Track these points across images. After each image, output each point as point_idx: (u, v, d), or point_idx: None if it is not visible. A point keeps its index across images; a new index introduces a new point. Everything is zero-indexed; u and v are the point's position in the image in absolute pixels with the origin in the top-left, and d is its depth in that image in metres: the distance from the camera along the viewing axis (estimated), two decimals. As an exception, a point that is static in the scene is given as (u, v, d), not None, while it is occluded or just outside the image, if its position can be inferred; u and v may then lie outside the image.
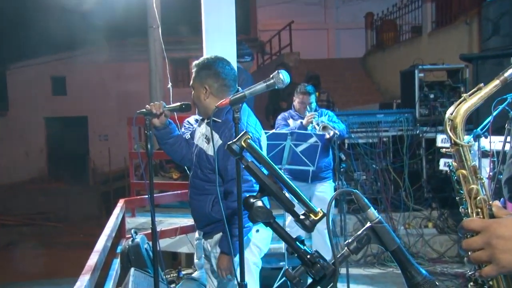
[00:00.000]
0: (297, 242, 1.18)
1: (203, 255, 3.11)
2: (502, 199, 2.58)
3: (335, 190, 5.01)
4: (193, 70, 2.87)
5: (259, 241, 2.86)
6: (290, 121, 5.08)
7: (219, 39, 5.45)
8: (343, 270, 4.82)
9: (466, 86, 6.45)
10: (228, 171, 2.67)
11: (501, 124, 4.05)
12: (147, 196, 6.15)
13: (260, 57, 18.27)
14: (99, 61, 18.74)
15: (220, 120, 2.75)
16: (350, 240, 1.20)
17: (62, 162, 19.40)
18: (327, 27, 19.81)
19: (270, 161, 1.17)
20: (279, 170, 1.18)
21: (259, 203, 1.16)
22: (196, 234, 5.04)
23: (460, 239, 1.12)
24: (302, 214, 1.20)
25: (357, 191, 1.22)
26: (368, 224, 1.21)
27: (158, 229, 5.46)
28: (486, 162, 4.20)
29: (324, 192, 4.91)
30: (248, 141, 1.14)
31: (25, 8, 17.65)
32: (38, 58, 18.89)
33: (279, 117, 5.19)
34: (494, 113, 3.69)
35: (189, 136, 3.09)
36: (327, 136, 4.74)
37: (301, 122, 4.89)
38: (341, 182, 4.98)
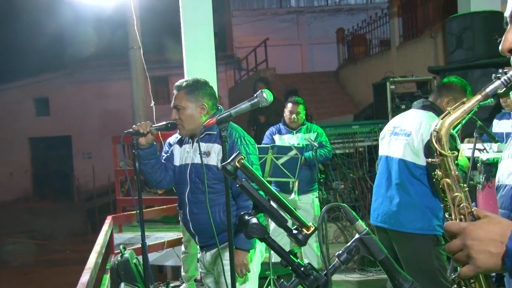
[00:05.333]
0: (291, 256, 1.20)
1: (199, 269, 3.10)
2: (473, 203, 2.67)
3: (319, 200, 5.04)
4: (183, 90, 2.87)
5: (263, 245, 2.91)
6: (276, 137, 5.10)
7: (199, 57, 5.48)
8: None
9: (434, 96, 6.56)
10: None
11: (470, 131, 4.15)
12: (134, 212, 6.11)
13: (237, 73, 18.37)
14: (81, 81, 18.65)
15: (215, 132, 2.81)
16: (340, 252, 1.23)
17: (47, 181, 19.14)
18: (300, 42, 20.02)
19: (263, 180, 1.19)
20: (272, 188, 1.20)
21: (254, 220, 1.18)
22: (183, 248, 5.05)
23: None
24: (295, 229, 1.22)
25: (345, 205, 1.24)
26: (357, 235, 1.23)
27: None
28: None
29: (307, 203, 4.97)
30: (242, 161, 1.17)
31: (5, 31, 17.46)
32: (20, 81, 18.68)
33: (267, 132, 5.22)
34: (463, 121, 3.82)
35: (165, 160, 3.08)
36: None
37: None
38: (321, 192, 5.01)
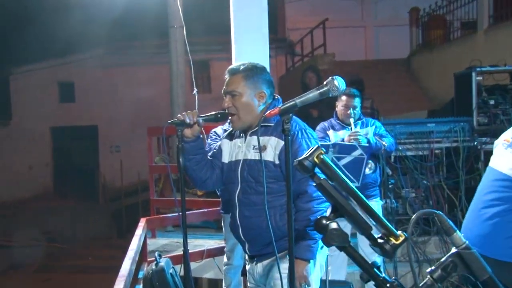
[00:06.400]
0: (374, 269, 1.19)
1: (248, 283, 3.11)
2: None
3: (383, 208, 4.98)
4: (241, 74, 2.89)
5: (322, 258, 2.91)
6: (330, 132, 5.07)
7: (250, 39, 5.49)
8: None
9: (534, 91, 6.34)
10: None
11: None
12: (170, 214, 6.21)
13: (290, 58, 18.31)
14: (110, 65, 18.96)
15: (272, 124, 2.84)
16: (433, 268, 1.21)
17: (69, 177, 19.56)
18: (364, 24, 19.77)
19: (346, 179, 1.18)
20: (355, 189, 1.19)
21: (334, 225, 1.17)
22: (225, 259, 5.09)
23: None
24: (380, 238, 1.21)
25: (440, 212, 1.23)
26: (454, 249, 1.21)
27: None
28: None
29: None
30: (321, 156, 1.16)
31: (30, 8, 18.02)
32: (44, 62, 19.14)
33: (318, 127, 5.18)
34: None
35: (211, 157, 3.09)
36: None
37: (342, 140, 4.89)
38: (390, 200, 4.94)
